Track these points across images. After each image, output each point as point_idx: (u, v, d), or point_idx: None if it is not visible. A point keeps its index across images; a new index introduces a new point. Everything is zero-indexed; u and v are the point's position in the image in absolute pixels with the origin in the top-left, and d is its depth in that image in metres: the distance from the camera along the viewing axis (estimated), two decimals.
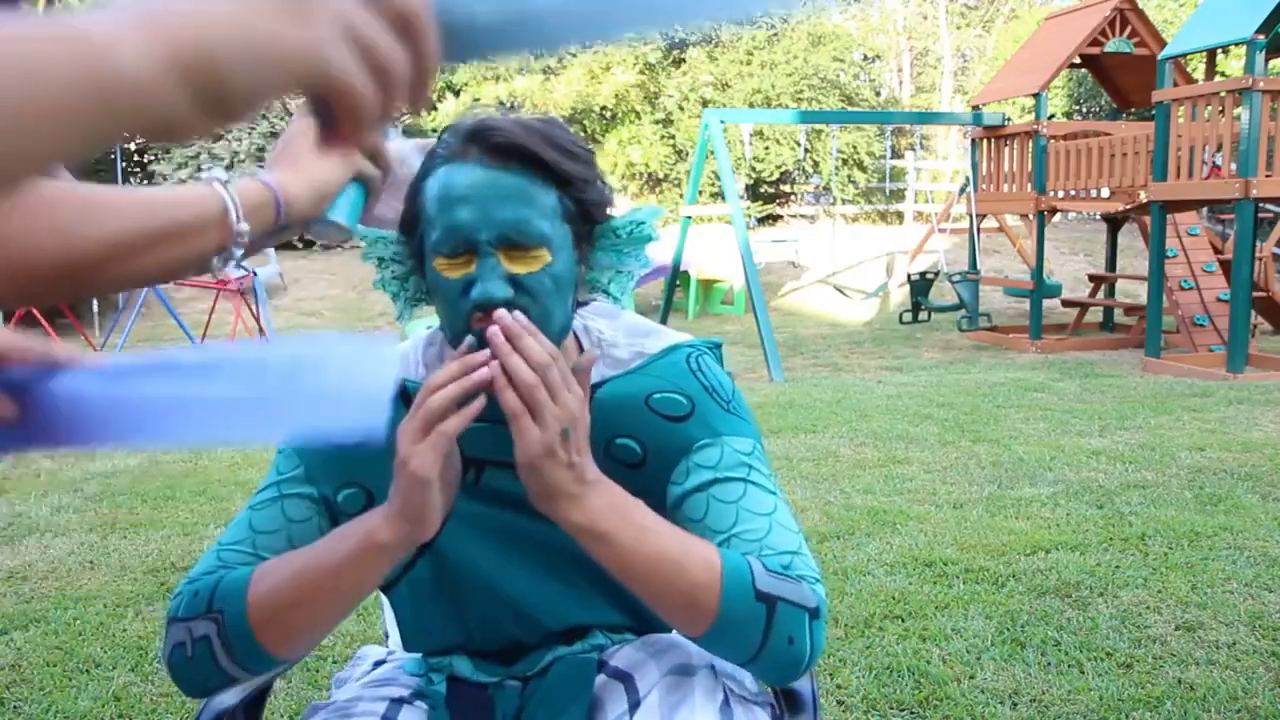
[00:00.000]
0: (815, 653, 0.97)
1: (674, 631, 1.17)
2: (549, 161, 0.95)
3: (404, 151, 1.01)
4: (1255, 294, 8.06)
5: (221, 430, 0.60)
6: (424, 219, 0.97)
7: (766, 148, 17.82)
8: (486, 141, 0.94)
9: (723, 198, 9.97)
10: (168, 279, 0.73)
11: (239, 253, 0.74)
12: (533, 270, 0.95)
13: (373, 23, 0.48)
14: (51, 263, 0.65)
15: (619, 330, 1.11)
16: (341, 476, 1.06)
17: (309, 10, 0.45)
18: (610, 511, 0.92)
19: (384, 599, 1.26)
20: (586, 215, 1.00)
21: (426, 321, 1.13)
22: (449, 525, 1.05)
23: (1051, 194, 9.10)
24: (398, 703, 1.04)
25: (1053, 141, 9.10)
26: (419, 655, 1.13)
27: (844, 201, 17.29)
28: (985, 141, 9.85)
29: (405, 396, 1.06)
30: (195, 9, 0.43)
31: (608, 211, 1.04)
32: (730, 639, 0.95)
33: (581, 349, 1.09)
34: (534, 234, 0.94)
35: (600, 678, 1.04)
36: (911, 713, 2.31)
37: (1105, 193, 8.92)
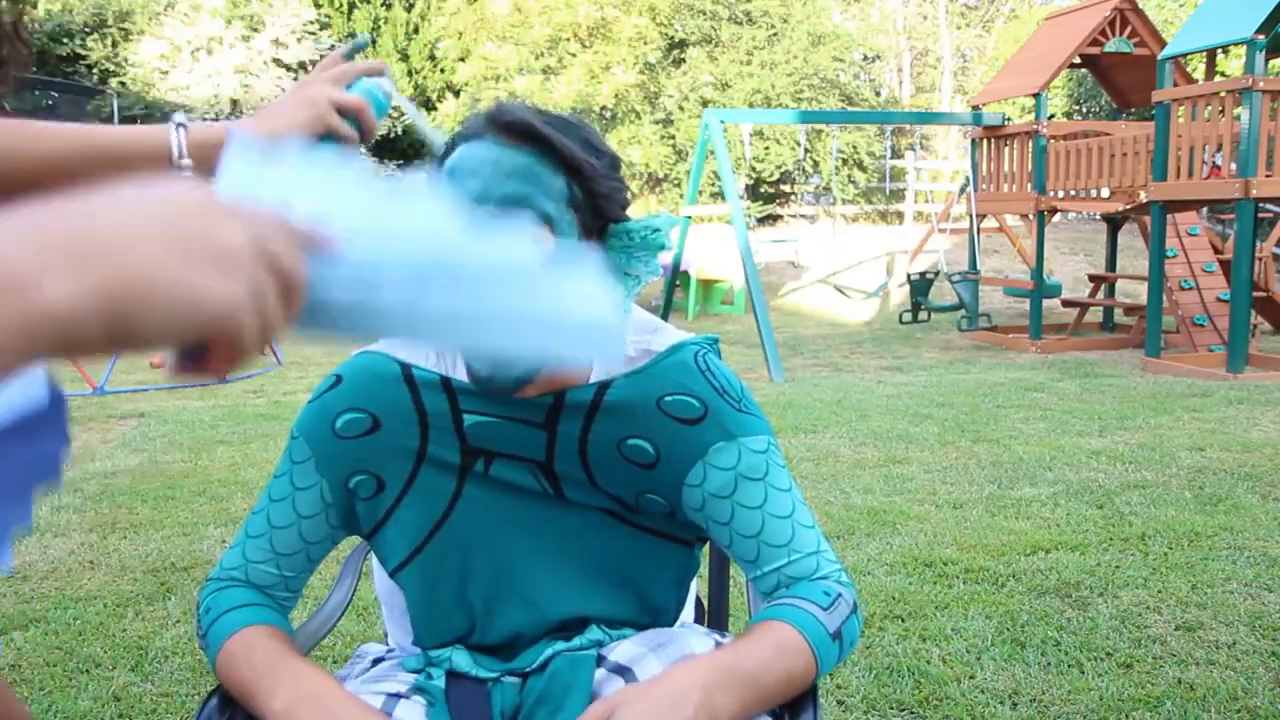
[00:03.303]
0: (858, 637, 1.07)
1: (675, 625, 1.17)
2: (558, 146, 0.97)
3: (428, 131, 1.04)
4: (1255, 294, 8.06)
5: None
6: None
7: (766, 148, 17.82)
8: (500, 121, 0.98)
9: (723, 198, 9.98)
10: None
11: None
12: None
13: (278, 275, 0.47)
14: None
15: (625, 326, 1.11)
16: (352, 464, 1.09)
17: (237, 265, 0.45)
18: (727, 696, 0.92)
19: (383, 601, 1.26)
20: (597, 209, 1.01)
21: None
22: (460, 509, 1.09)
23: (1051, 194, 9.09)
24: (394, 697, 1.04)
25: (1053, 141, 9.10)
26: (418, 652, 1.14)
27: (844, 201, 17.31)
28: (985, 141, 9.85)
29: (410, 382, 1.07)
30: (127, 247, 0.42)
31: (623, 212, 1.04)
32: (818, 675, 1.02)
33: None
34: (535, 211, 0.96)
35: (600, 672, 1.04)
36: (911, 713, 2.31)
37: (1105, 193, 8.91)
